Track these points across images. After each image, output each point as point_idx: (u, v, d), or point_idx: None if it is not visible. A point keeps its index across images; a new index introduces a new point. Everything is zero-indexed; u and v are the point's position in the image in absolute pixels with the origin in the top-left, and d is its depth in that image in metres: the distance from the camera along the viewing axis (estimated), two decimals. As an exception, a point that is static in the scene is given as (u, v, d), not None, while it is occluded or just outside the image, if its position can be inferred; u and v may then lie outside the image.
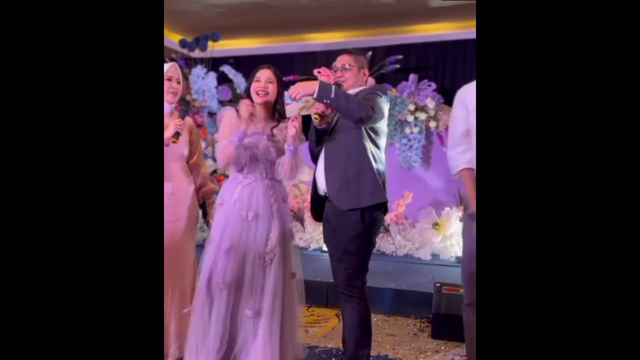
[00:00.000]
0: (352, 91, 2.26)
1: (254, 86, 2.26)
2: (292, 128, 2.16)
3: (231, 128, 2.24)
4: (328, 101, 2.05)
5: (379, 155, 2.23)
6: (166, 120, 2.41)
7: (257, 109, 2.27)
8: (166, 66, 2.44)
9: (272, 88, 2.26)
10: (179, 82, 2.48)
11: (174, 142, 2.33)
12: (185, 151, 2.48)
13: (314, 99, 2.09)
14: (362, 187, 2.16)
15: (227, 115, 2.29)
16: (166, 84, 2.42)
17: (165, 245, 2.31)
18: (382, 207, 2.23)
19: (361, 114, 2.05)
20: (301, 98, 2.11)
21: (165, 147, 2.29)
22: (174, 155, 2.42)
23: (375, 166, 2.18)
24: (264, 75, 2.26)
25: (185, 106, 2.40)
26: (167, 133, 2.31)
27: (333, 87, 2.07)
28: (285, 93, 2.18)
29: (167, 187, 2.34)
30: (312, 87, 2.06)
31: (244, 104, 2.26)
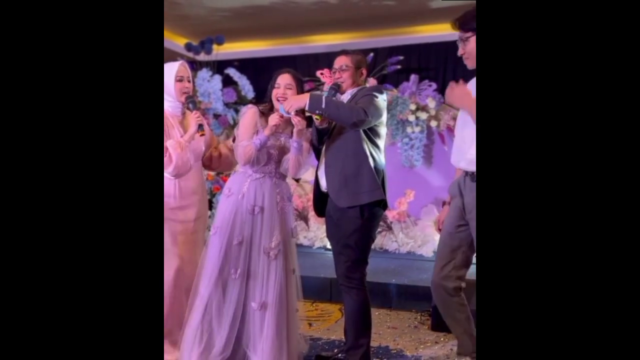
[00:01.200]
0: (350, 91, 2.35)
1: (275, 92, 2.32)
2: (296, 125, 2.22)
3: (251, 127, 2.31)
4: (320, 112, 2.14)
5: (377, 153, 2.30)
6: (179, 119, 2.42)
7: (275, 109, 2.33)
8: (175, 65, 2.39)
9: (291, 94, 2.29)
10: (189, 81, 2.42)
11: (202, 135, 2.34)
12: (203, 148, 2.48)
13: (306, 111, 2.18)
14: (360, 185, 2.23)
15: (248, 114, 2.35)
16: (178, 85, 2.37)
17: (192, 242, 2.37)
18: (382, 203, 2.31)
19: (353, 119, 2.14)
20: (294, 111, 2.19)
21: (189, 147, 2.33)
22: (196, 154, 2.42)
23: (373, 164, 2.26)
24: (284, 81, 2.32)
25: (191, 99, 2.40)
26: (192, 129, 2.32)
27: (323, 97, 2.16)
28: (280, 105, 2.24)
29: (189, 186, 2.38)
30: (304, 100, 2.15)
31: (252, 111, 2.35)
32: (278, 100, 2.30)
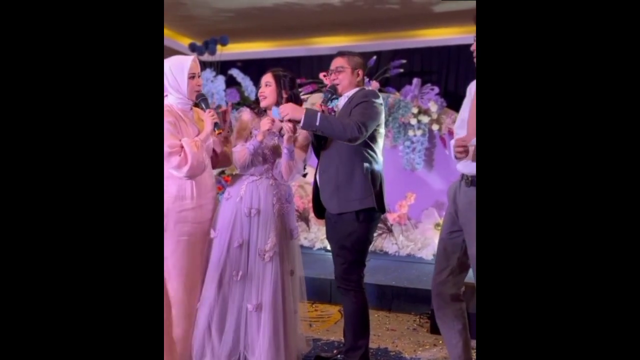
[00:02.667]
0: (347, 94, 2.34)
1: (259, 91, 2.36)
2: (286, 131, 2.22)
3: (243, 130, 2.33)
4: (314, 129, 2.16)
5: (374, 158, 2.30)
6: (190, 116, 2.30)
7: (268, 112, 2.36)
8: (187, 60, 2.25)
9: (269, 91, 2.32)
10: (199, 76, 2.30)
11: (219, 134, 2.24)
12: (212, 145, 2.34)
13: (300, 127, 2.19)
14: (351, 193, 2.24)
15: (241, 117, 2.38)
16: (191, 82, 2.23)
17: (205, 243, 2.26)
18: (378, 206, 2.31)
19: (347, 136, 2.15)
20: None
21: (204, 147, 2.20)
22: (208, 152, 2.29)
23: (369, 169, 2.26)
24: (264, 79, 2.35)
25: (202, 96, 2.25)
26: (208, 128, 2.22)
27: (318, 115, 2.15)
28: (274, 108, 2.23)
29: (207, 184, 2.28)
30: (300, 114, 2.15)
31: (244, 114, 2.37)
32: (260, 99, 2.33)
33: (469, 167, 1.98)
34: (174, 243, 2.19)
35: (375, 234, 2.70)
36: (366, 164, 2.26)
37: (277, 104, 2.32)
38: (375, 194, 2.27)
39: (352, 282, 2.29)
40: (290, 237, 2.41)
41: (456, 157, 1.96)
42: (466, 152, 1.92)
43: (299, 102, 2.36)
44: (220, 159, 2.44)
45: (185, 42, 5.50)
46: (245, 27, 5.18)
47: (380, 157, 2.34)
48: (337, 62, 2.38)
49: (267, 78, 2.34)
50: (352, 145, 2.22)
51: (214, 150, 2.40)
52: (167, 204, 2.15)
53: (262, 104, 2.35)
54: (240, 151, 2.28)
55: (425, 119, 4.90)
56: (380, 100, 2.30)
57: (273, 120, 2.26)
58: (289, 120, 2.22)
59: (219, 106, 5.18)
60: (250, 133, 2.33)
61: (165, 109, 2.18)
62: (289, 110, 2.18)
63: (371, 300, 2.39)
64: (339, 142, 2.26)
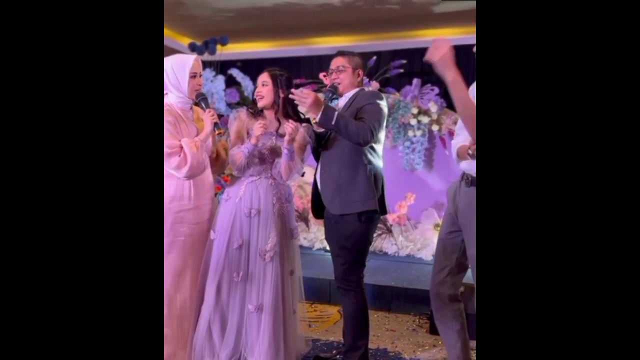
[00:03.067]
0: (348, 94, 2.34)
1: (256, 91, 2.34)
2: (289, 134, 2.20)
3: (239, 132, 2.32)
4: (329, 127, 2.14)
5: (375, 159, 2.30)
6: (189, 115, 2.31)
7: (265, 112, 2.35)
8: (189, 60, 2.25)
9: (266, 91, 2.30)
10: (201, 76, 2.31)
11: (219, 134, 2.24)
12: (211, 145, 2.36)
13: (315, 122, 2.17)
14: (353, 194, 2.23)
15: (237, 119, 2.36)
16: (191, 82, 2.24)
17: (203, 244, 2.30)
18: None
19: (359, 140, 2.14)
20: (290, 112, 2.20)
21: (204, 147, 2.22)
22: (208, 152, 2.31)
23: (371, 172, 2.25)
24: (260, 79, 2.33)
25: (202, 96, 2.28)
26: (207, 128, 2.22)
27: (336, 114, 2.12)
28: (302, 88, 2.20)
29: (205, 184, 2.31)
30: (318, 108, 2.11)
31: (240, 115, 2.36)
32: (257, 99, 2.32)
33: (471, 165, 1.98)
34: (169, 244, 2.18)
35: (374, 235, 2.69)
36: (369, 166, 2.25)
37: (274, 103, 2.32)
38: (378, 196, 2.27)
39: (352, 282, 2.29)
40: (290, 236, 2.40)
41: (470, 157, 1.94)
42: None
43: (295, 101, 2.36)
44: (218, 163, 2.44)
45: (185, 42, 5.50)
46: (245, 27, 5.17)
47: (380, 158, 2.34)
48: (337, 62, 2.37)
49: (264, 78, 2.33)
50: (355, 147, 2.22)
51: (217, 152, 2.40)
52: (165, 204, 2.14)
53: (260, 104, 2.34)
54: (236, 154, 2.27)
55: (425, 120, 4.90)
56: (384, 102, 2.29)
57: (265, 124, 2.25)
58: (291, 117, 2.20)
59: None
60: (248, 134, 2.33)
61: (164, 108, 2.17)
62: (310, 101, 2.11)
63: (370, 300, 2.38)
64: (341, 143, 2.26)
